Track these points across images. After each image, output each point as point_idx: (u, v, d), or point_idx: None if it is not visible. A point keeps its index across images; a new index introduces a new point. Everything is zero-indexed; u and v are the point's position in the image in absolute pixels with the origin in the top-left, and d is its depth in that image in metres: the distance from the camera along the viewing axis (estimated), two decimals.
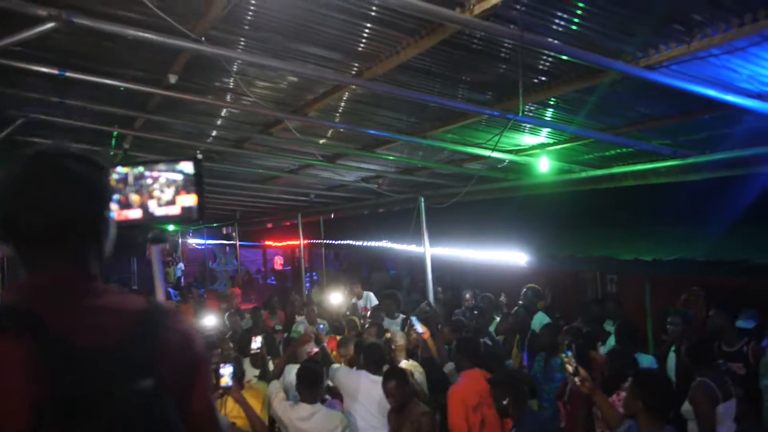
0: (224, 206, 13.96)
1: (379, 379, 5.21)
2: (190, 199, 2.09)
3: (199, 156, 2.15)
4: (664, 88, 3.65)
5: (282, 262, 23.91)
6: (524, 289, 8.71)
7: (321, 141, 6.28)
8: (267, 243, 20.67)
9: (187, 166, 2.10)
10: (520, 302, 8.82)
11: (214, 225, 21.04)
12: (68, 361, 1.31)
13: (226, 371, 4.72)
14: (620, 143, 5.30)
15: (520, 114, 4.26)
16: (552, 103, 4.49)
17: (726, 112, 4.12)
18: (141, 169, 2.07)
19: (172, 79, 4.47)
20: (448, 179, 8.07)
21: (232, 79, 4.56)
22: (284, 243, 18.93)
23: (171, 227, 22.60)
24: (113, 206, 1.57)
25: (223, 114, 5.67)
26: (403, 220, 12.03)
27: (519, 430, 4.44)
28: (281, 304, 11.83)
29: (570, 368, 4.36)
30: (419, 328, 6.24)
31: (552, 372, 6.12)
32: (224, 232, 23.75)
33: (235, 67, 4.28)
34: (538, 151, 5.96)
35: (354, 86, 4.38)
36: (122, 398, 1.35)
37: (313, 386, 4.98)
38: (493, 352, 6.36)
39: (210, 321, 9.29)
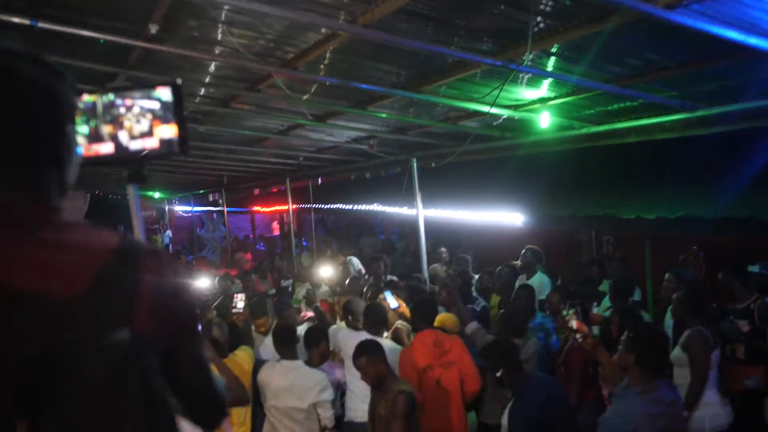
0: (211, 171, 13.65)
1: (381, 340, 5.11)
2: (169, 130, 1.80)
3: (178, 81, 1.84)
4: (680, 32, 3.41)
5: (277, 227, 23.76)
6: (523, 250, 8.53)
7: (310, 97, 5.99)
8: (255, 209, 20.37)
9: (165, 93, 1.80)
10: (518, 263, 8.67)
11: (201, 192, 20.72)
12: (8, 313, 1.08)
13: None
14: (626, 95, 5.06)
15: (526, 63, 4.02)
16: (554, 51, 4.23)
17: (744, 58, 3.88)
18: (111, 96, 1.76)
19: (153, 29, 4.16)
20: (442, 138, 7.82)
21: (219, 30, 4.28)
22: (272, 208, 18.66)
23: (157, 194, 22.39)
24: (79, 127, 1.31)
25: (208, 70, 5.37)
26: (394, 183, 11.82)
27: (519, 402, 4.22)
28: (270, 269, 11.64)
29: (574, 325, 4.26)
30: (392, 302, 6.05)
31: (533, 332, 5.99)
32: (211, 198, 23.46)
33: (222, 16, 4.00)
34: (537, 106, 5.71)
35: (346, 35, 4.10)
36: (87, 357, 1.11)
37: (289, 343, 5.08)
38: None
39: (203, 283, 9.10)
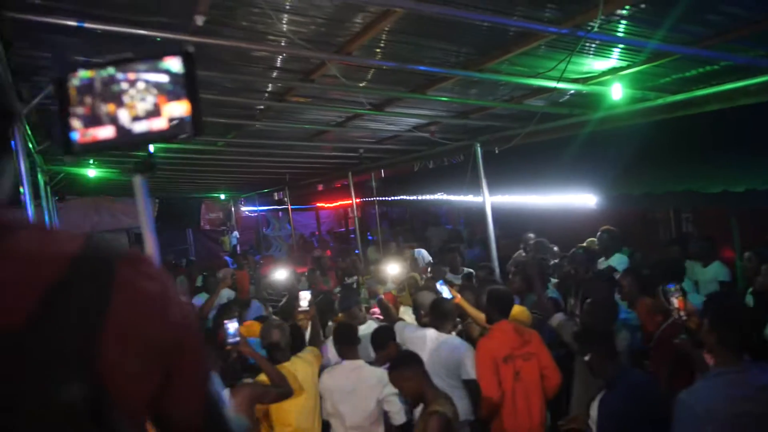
0: (273, 169, 13.64)
1: (447, 337, 4.89)
2: (179, 108, 1.54)
3: (190, 49, 1.60)
4: None
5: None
6: (599, 232, 8.14)
7: (366, 84, 5.79)
8: (319, 205, 20.38)
9: (174, 63, 1.54)
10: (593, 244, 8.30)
11: (265, 191, 20.87)
12: None
13: (232, 326, 4.61)
14: (708, 58, 4.65)
15: (595, 29, 3.70)
16: (627, 13, 3.89)
17: None
18: (111, 70, 1.50)
19: (200, 20, 4.02)
20: (506, 120, 7.49)
21: (267, 18, 4.10)
22: (336, 203, 18.60)
23: (222, 196, 22.68)
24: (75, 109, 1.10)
25: (261, 62, 5.22)
26: (458, 171, 11.53)
27: (612, 394, 3.89)
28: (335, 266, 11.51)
29: (676, 303, 4.09)
30: (446, 293, 5.69)
31: None
32: (276, 197, 23.63)
33: (269, 1, 3.82)
34: (608, 77, 5.33)
35: (401, 12, 3.86)
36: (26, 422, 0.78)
37: (350, 343, 4.89)
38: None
39: (281, 275, 9.07)
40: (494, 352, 4.69)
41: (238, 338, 4.59)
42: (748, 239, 6.76)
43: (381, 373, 4.75)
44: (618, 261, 6.91)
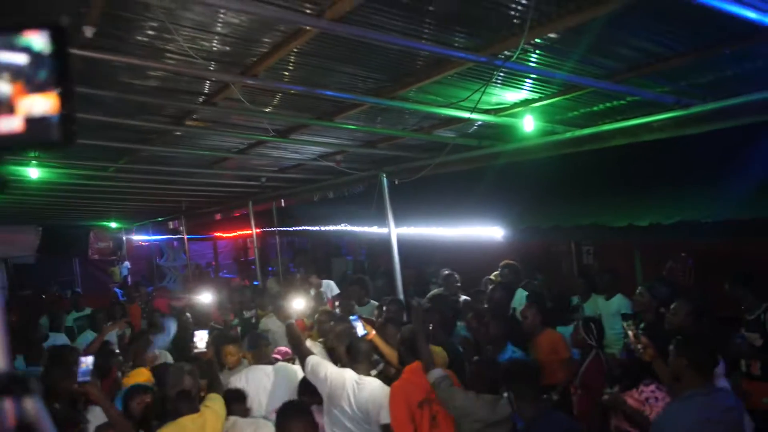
0: (169, 197, 13.04)
1: (366, 379, 4.64)
2: (43, 103, 1.11)
3: (88, 33, 1.20)
4: (689, 12, 3.04)
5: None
6: (500, 267, 8.12)
7: (272, 110, 5.52)
8: (217, 235, 19.71)
9: (38, 40, 1.11)
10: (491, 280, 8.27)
11: (160, 219, 20.01)
12: None
13: (86, 361, 4.21)
14: (615, 92, 4.67)
15: (515, 58, 3.61)
16: (542, 43, 3.82)
17: (755, 42, 3.53)
18: None
19: (89, 32, 3.64)
20: (414, 150, 7.38)
21: (167, 32, 3.77)
22: (235, 233, 18.03)
23: (113, 224, 21.58)
24: None
25: (157, 83, 4.85)
26: (360, 201, 11.36)
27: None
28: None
29: (631, 335, 4.25)
30: (360, 329, 5.25)
31: None
32: (171, 226, 22.71)
33: (168, 15, 3.50)
34: (519, 109, 5.30)
35: (312, 32, 3.64)
36: None
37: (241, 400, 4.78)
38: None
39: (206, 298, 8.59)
40: (408, 396, 4.43)
41: (88, 378, 4.11)
42: (650, 272, 6.90)
43: (255, 422, 4.55)
44: (521, 296, 6.93)
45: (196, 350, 4.97)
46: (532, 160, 6.53)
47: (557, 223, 6.11)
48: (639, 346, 4.20)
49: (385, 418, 4.51)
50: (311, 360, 4.95)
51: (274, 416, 4.66)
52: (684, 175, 5.71)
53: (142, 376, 5.17)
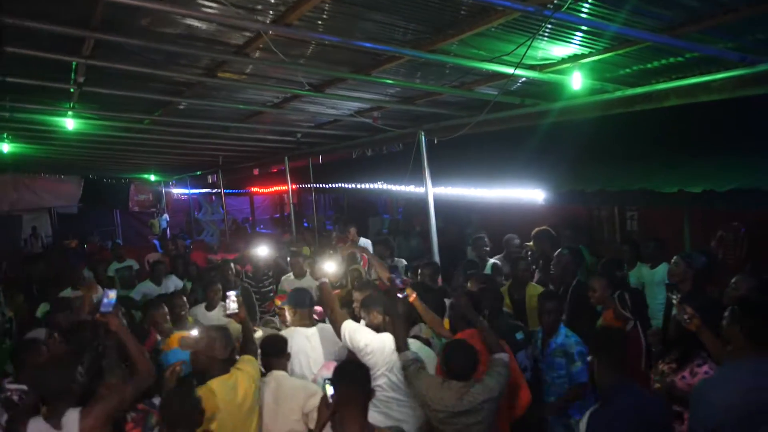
0: (206, 151, 13.00)
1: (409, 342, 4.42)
2: None
3: None
4: None
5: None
6: (533, 235, 7.73)
7: (306, 62, 5.29)
8: (253, 190, 19.69)
9: None
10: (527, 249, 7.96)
11: (198, 173, 20.08)
12: None
13: (111, 294, 4.11)
14: (672, 48, 4.33)
15: (565, 8, 3.32)
16: None
17: None
18: None
19: None
20: (453, 108, 7.10)
21: None
22: (271, 189, 17.98)
23: (153, 177, 21.74)
24: None
25: (187, 32, 4.65)
26: (400, 159, 11.13)
27: (603, 411, 3.39)
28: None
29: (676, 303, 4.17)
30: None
31: (552, 357, 5.12)
32: (209, 180, 22.82)
33: None
34: (567, 65, 4.98)
35: None
36: None
37: (279, 355, 4.52)
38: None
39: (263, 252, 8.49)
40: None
41: (110, 309, 3.96)
42: (699, 241, 6.59)
43: (304, 384, 4.39)
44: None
45: (228, 312, 4.80)
46: (578, 121, 6.22)
47: (603, 186, 5.79)
48: (685, 316, 3.99)
49: None
50: (348, 326, 4.63)
51: (318, 380, 4.56)
52: (742, 141, 5.33)
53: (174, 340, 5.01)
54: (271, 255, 8.78)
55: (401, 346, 4.30)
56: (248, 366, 4.18)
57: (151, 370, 3.86)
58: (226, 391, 3.90)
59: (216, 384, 3.90)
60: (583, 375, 4.80)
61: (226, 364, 4.06)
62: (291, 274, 8.22)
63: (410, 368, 4.12)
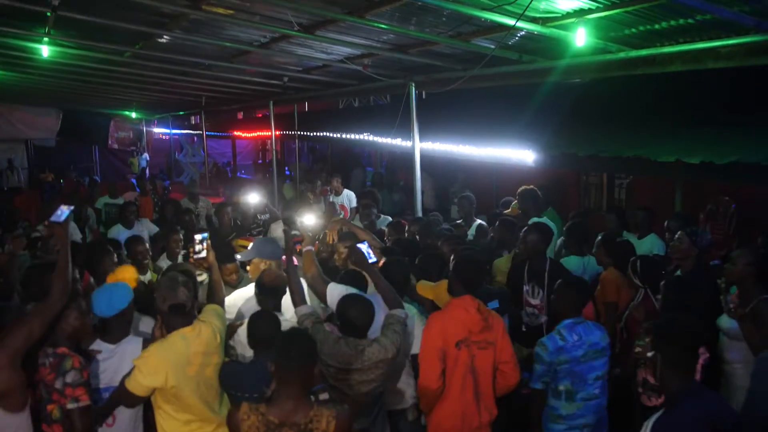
0: (188, 90, 12.63)
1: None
2: None
3: None
4: None
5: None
6: (519, 191, 7.44)
7: None
8: (236, 134, 19.31)
9: None
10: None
11: (180, 113, 19.64)
12: None
13: (65, 208, 3.82)
14: (689, 7, 4.08)
15: None
16: None
17: None
18: None
19: None
20: (447, 60, 6.83)
21: None
22: (254, 134, 17.63)
23: (134, 114, 21.25)
24: None
25: None
26: (385, 112, 10.88)
27: (670, 419, 2.80)
28: None
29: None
30: (370, 255, 4.45)
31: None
32: (192, 121, 22.38)
33: None
34: (572, 20, 4.73)
35: None
36: None
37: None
38: None
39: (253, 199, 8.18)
40: (448, 332, 3.91)
41: (61, 220, 3.70)
42: (689, 214, 6.45)
43: None
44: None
45: (195, 256, 4.49)
46: (575, 82, 6.02)
47: (596, 151, 5.60)
48: (731, 305, 3.98)
49: (415, 348, 4.15)
50: (332, 290, 4.32)
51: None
52: (746, 113, 5.13)
53: (127, 273, 4.63)
54: (261, 201, 8.49)
55: (296, 301, 4.04)
56: (212, 316, 3.88)
57: (64, 294, 3.48)
58: (186, 345, 3.60)
59: (177, 337, 3.61)
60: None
61: (188, 317, 3.72)
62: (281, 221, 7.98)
63: (305, 322, 3.85)
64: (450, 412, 3.94)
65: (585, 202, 9.62)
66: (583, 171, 9.23)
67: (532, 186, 7.15)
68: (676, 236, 5.39)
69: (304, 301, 4.07)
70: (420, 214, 7.76)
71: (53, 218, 3.76)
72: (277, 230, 7.29)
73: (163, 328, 3.75)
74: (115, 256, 5.45)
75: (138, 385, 3.47)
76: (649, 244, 6.17)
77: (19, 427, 3.24)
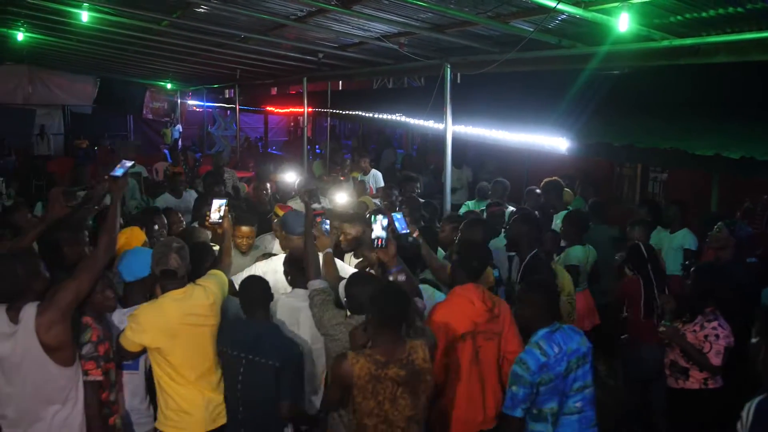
0: (223, 63, 12.66)
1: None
2: None
3: None
4: None
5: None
6: (543, 182, 7.36)
7: None
8: (269, 109, 19.34)
9: None
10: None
11: (215, 86, 19.73)
12: None
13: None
14: None
15: None
16: None
17: None
18: None
19: None
20: (485, 42, 6.71)
21: None
22: (287, 110, 17.63)
23: (169, 85, 21.39)
24: None
25: None
26: (418, 94, 10.79)
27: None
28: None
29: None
30: (401, 225, 4.33)
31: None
32: (226, 95, 22.48)
33: None
34: (615, 4, 4.59)
35: None
36: None
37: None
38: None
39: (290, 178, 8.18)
40: (452, 325, 3.78)
41: (119, 174, 3.84)
42: (725, 211, 6.30)
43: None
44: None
45: (210, 221, 4.51)
46: (614, 71, 5.87)
47: (632, 141, 5.47)
48: None
49: None
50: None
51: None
52: None
53: (134, 235, 4.58)
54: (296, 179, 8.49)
55: (310, 273, 3.96)
56: (210, 282, 3.87)
57: (110, 248, 3.59)
58: (176, 307, 3.66)
59: (167, 300, 3.68)
60: None
61: (181, 281, 3.75)
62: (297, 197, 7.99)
63: (315, 297, 3.81)
64: (456, 407, 3.85)
65: (618, 195, 9.47)
66: (618, 162, 9.07)
67: (556, 178, 7.08)
68: (716, 226, 5.34)
69: (318, 275, 4.00)
70: (448, 197, 7.70)
71: (112, 172, 3.86)
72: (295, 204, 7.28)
73: (158, 289, 3.83)
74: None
75: (127, 341, 3.60)
76: (680, 239, 6.08)
77: (70, 379, 3.37)
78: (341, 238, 5.01)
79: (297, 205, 7.56)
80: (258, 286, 3.85)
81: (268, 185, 8.23)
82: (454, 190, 8.75)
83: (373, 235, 3.95)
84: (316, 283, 3.91)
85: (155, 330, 3.59)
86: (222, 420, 3.80)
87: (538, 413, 3.54)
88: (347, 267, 4.74)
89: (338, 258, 4.72)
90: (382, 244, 3.91)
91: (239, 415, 3.74)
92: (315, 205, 4.79)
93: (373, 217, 4.10)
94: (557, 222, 6.56)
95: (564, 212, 6.75)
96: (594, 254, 6.11)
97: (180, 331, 3.63)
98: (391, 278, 3.84)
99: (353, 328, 3.50)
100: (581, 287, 5.93)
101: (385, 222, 4.01)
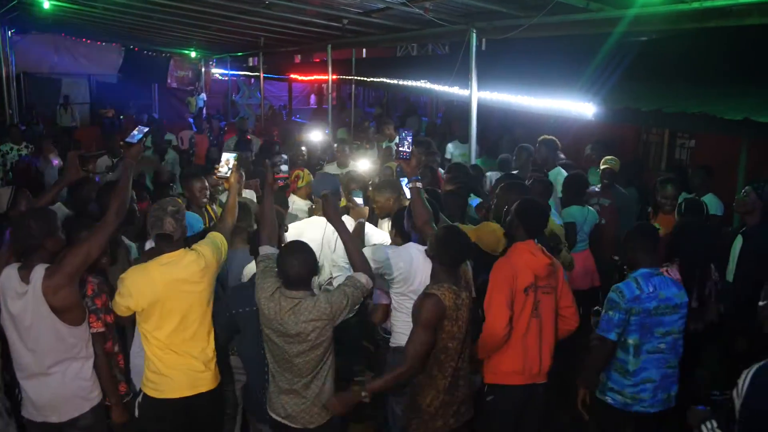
0: (247, 30, 12.62)
1: None
2: None
3: None
4: None
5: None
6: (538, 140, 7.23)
7: None
8: (293, 77, 19.30)
9: None
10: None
11: (238, 54, 19.70)
12: None
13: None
14: None
15: None
16: None
17: None
18: None
19: None
20: (511, 6, 6.62)
21: None
22: (311, 77, 17.60)
23: (193, 54, 21.42)
24: None
25: None
26: (443, 61, 10.71)
27: None
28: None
29: None
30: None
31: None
32: (250, 63, 22.45)
33: None
34: None
35: None
36: None
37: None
38: None
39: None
40: (514, 278, 3.83)
41: (135, 141, 3.86)
42: (753, 177, 6.22)
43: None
44: (555, 176, 6.56)
45: (218, 174, 4.40)
46: (642, 35, 5.78)
47: (660, 106, 5.42)
48: None
49: (416, 284, 4.02)
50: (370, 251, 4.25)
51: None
52: None
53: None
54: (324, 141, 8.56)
55: (263, 237, 3.83)
56: (205, 247, 3.75)
57: (120, 213, 3.58)
58: (163, 272, 3.58)
59: (154, 265, 3.61)
60: None
61: (176, 245, 3.66)
62: (335, 163, 8.08)
63: (260, 263, 3.66)
64: (512, 358, 3.90)
65: (645, 161, 9.37)
66: (645, 127, 8.96)
67: (552, 137, 7.05)
68: (743, 190, 5.29)
69: (273, 241, 3.83)
70: (474, 161, 7.69)
71: (128, 138, 3.89)
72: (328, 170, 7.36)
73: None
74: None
75: (117, 305, 3.61)
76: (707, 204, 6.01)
77: (79, 338, 3.54)
78: (374, 206, 5.08)
79: (332, 168, 7.67)
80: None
81: (303, 149, 8.29)
82: None
83: (400, 148, 4.32)
84: (266, 248, 3.74)
85: (139, 294, 3.53)
86: (203, 387, 3.71)
87: (623, 343, 3.93)
88: (382, 233, 4.81)
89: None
90: (406, 156, 4.27)
91: (264, 367, 3.72)
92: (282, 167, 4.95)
93: (401, 133, 4.45)
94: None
95: (557, 169, 6.81)
96: (594, 215, 6.16)
97: (164, 296, 3.56)
98: (410, 186, 4.22)
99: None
100: (580, 247, 5.97)
101: (410, 138, 4.36)
